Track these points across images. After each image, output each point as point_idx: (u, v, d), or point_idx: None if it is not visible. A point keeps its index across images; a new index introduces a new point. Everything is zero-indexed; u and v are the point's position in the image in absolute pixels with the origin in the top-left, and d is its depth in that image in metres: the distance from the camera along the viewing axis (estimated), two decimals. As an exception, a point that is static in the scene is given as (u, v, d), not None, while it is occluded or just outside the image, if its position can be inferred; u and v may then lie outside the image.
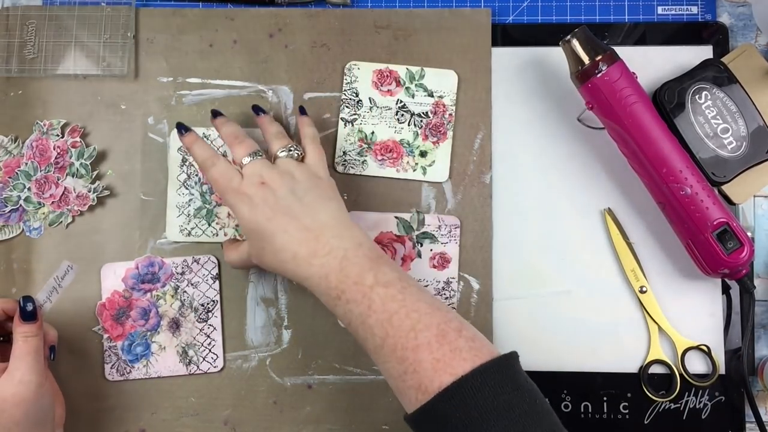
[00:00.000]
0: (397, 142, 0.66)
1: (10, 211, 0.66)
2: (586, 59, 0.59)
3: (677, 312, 0.64)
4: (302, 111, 0.63)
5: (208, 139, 0.65)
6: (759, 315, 0.65)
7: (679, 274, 0.64)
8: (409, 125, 0.66)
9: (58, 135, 0.66)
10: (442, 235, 0.65)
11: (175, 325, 0.64)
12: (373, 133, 0.66)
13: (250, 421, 0.64)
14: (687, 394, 0.63)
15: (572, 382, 0.64)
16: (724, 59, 0.64)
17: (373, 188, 0.66)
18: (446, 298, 0.64)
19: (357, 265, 0.52)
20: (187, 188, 0.66)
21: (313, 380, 0.64)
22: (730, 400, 0.63)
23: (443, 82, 0.66)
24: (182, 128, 0.60)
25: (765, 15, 0.65)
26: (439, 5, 0.68)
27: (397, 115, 0.66)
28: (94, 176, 0.66)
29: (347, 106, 0.66)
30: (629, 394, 0.64)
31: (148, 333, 0.64)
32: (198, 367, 0.64)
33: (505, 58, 0.67)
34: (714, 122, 0.62)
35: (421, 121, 0.66)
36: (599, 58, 0.59)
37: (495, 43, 0.67)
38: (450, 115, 0.66)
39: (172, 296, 0.65)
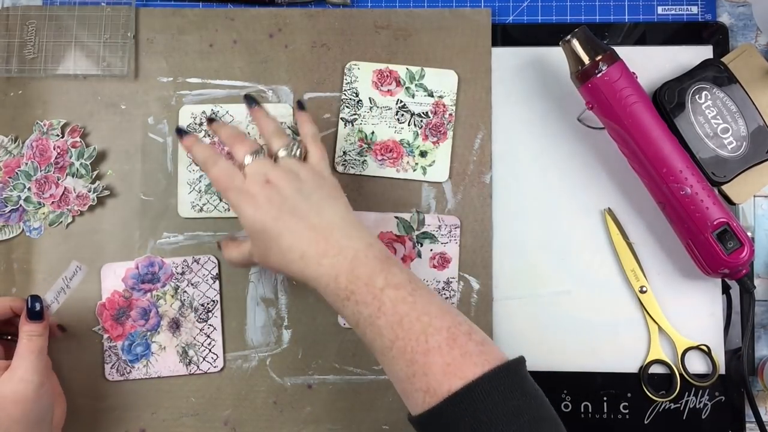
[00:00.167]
0: (397, 142, 0.66)
1: (10, 211, 0.66)
2: (586, 59, 0.59)
3: (677, 312, 0.64)
4: (300, 106, 0.61)
5: (216, 115, 0.66)
6: (759, 315, 0.65)
7: (679, 274, 0.64)
8: (409, 125, 0.66)
9: (58, 135, 0.66)
10: (442, 235, 0.65)
11: (175, 325, 0.65)
12: (373, 133, 0.66)
13: (250, 421, 0.64)
14: (687, 394, 0.63)
15: (572, 382, 0.64)
16: (724, 59, 0.64)
17: (373, 188, 0.66)
18: (446, 298, 0.64)
19: (368, 266, 0.51)
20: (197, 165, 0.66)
21: (313, 380, 0.64)
22: (730, 400, 0.63)
23: (443, 82, 0.66)
24: (181, 131, 0.59)
25: (765, 15, 0.65)
26: (439, 5, 0.68)
27: (397, 115, 0.66)
28: (94, 176, 0.66)
29: (347, 106, 0.66)
30: (629, 394, 0.64)
31: (148, 333, 0.64)
32: (198, 367, 0.64)
33: (505, 58, 0.67)
34: (714, 122, 0.62)
35: (421, 121, 0.66)
36: (599, 58, 0.59)
37: (495, 43, 0.67)
38: (450, 115, 0.66)
39: (172, 296, 0.65)
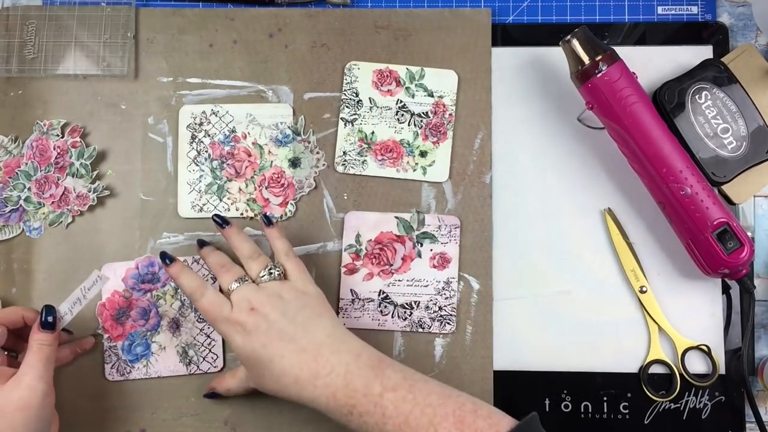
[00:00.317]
0: (397, 142, 0.66)
1: (10, 211, 0.66)
2: (586, 59, 0.59)
3: (677, 312, 0.64)
4: (267, 222, 0.61)
5: (216, 115, 0.66)
6: (759, 315, 0.65)
7: (679, 274, 0.64)
8: (409, 125, 0.66)
9: (58, 135, 0.66)
10: (442, 235, 0.65)
11: (175, 325, 0.64)
12: (373, 133, 0.66)
13: (250, 421, 0.64)
14: (687, 394, 0.63)
15: (572, 382, 0.64)
16: (724, 59, 0.64)
17: (373, 188, 0.66)
18: (446, 298, 0.64)
19: (362, 377, 0.52)
20: (197, 164, 0.66)
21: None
22: (730, 400, 0.63)
23: (443, 82, 0.66)
24: (166, 258, 0.59)
25: (765, 15, 0.65)
26: (439, 5, 0.68)
27: (397, 115, 0.66)
28: (94, 176, 0.66)
29: (347, 106, 0.66)
30: (629, 394, 0.64)
31: (148, 333, 0.64)
32: (198, 367, 0.64)
33: (505, 58, 0.67)
34: (714, 122, 0.62)
35: (421, 121, 0.66)
36: (599, 58, 0.59)
37: (495, 43, 0.67)
38: (450, 115, 0.66)
39: (172, 296, 0.65)
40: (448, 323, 0.64)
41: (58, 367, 0.63)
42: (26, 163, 0.66)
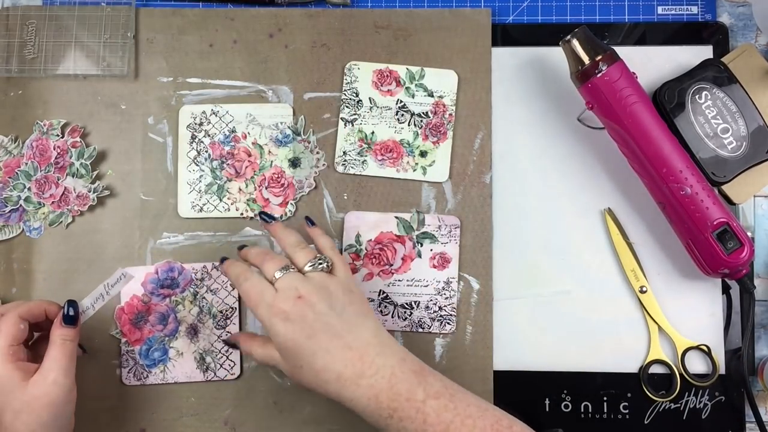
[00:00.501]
0: (397, 142, 0.66)
1: (10, 211, 0.66)
2: (586, 59, 0.59)
3: (677, 312, 0.64)
4: (310, 222, 0.61)
5: (216, 115, 0.66)
6: (759, 315, 0.65)
7: (679, 274, 0.64)
8: (409, 125, 0.66)
9: (58, 135, 0.66)
10: (442, 235, 0.65)
11: (193, 331, 0.64)
12: (373, 133, 0.66)
13: (250, 421, 0.64)
14: (687, 394, 0.63)
15: (572, 382, 0.64)
16: (724, 59, 0.64)
17: (373, 188, 0.66)
18: (446, 298, 0.64)
19: (406, 381, 0.51)
20: (197, 164, 0.66)
21: (313, 380, 0.64)
22: (730, 400, 0.63)
23: (443, 82, 0.66)
24: (223, 260, 0.59)
25: (765, 15, 0.65)
26: (439, 5, 0.68)
27: (397, 115, 0.66)
28: (94, 176, 0.66)
29: (347, 106, 0.66)
30: (629, 394, 0.64)
31: (166, 338, 0.64)
32: (215, 373, 0.64)
33: (505, 58, 0.67)
34: (714, 122, 0.62)
35: (421, 121, 0.66)
36: (599, 58, 0.59)
37: (495, 43, 0.67)
38: (450, 115, 0.66)
39: (191, 302, 0.65)
40: (448, 323, 0.64)
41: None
42: (26, 163, 0.66)
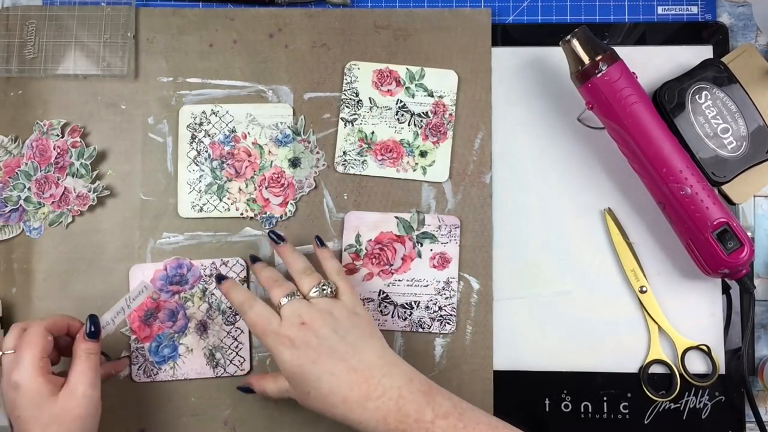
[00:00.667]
0: (397, 142, 0.66)
1: (10, 211, 0.66)
2: (586, 59, 0.59)
3: (677, 312, 0.64)
4: (320, 242, 0.61)
5: (216, 115, 0.66)
6: (759, 315, 0.65)
7: (679, 274, 0.64)
8: (409, 125, 0.66)
9: (58, 135, 0.66)
10: (442, 235, 0.65)
11: (203, 328, 0.64)
12: (373, 133, 0.66)
13: (250, 421, 0.64)
14: (687, 394, 0.63)
15: (572, 382, 0.64)
16: (724, 59, 0.64)
17: (373, 188, 0.66)
18: (446, 298, 0.64)
19: (414, 402, 0.51)
20: (197, 164, 0.66)
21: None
22: (730, 400, 0.63)
23: (443, 82, 0.66)
24: (220, 278, 0.59)
25: (765, 15, 0.65)
26: (439, 5, 0.68)
27: (397, 115, 0.66)
28: (94, 176, 0.66)
29: (347, 106, 0.66)
30: (629, 394, 0.64)
31: (176, 335, 0.64)
32: (225, 369, 0.64)
33: (505, 58, 0.67)
34: (714, 122, 0.62)
35: (421, 121, 0.66)
36: (599, 58, 0.59)
37: (495, 43, 0.67)
38: (450, 115, 0.66)
39: (200, 298, 0.65)
40: (448, 323, 0.64)
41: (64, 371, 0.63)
42: (26, 163, 0.66)
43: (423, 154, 0.66)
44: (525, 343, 0.64)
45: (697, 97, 0.62)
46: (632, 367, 0.64)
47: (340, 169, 0.66)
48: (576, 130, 0.65)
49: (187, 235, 0.66)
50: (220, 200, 0.66)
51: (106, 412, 0.64)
